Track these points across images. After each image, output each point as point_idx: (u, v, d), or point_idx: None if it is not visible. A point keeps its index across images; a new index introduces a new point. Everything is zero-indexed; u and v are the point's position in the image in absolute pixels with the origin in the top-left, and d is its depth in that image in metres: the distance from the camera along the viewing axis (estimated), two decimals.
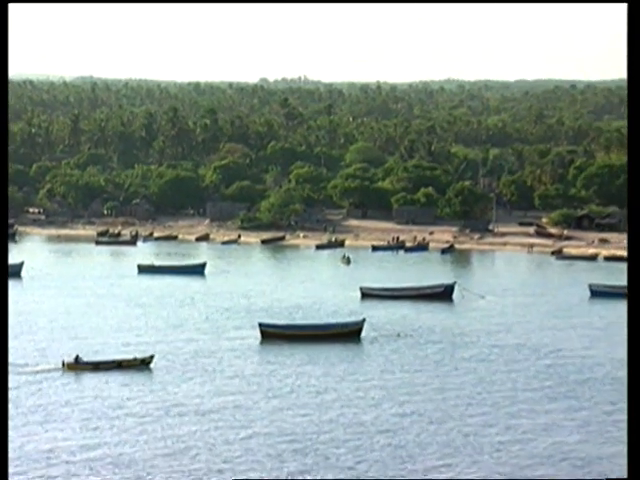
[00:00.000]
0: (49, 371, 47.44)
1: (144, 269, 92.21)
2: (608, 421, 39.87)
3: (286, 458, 34.23)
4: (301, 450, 35.06)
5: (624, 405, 41.97)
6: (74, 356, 48.53)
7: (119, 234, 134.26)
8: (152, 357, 49.26)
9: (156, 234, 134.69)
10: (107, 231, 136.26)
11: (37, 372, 47.23)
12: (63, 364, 48.01)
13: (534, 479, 30.53)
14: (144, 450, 34.98)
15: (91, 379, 45.96)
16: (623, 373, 48.06)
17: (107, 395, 42.93)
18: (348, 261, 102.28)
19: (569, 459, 34.54)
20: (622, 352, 53.41)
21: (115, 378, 46.13)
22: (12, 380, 41.82)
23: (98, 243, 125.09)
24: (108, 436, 36.59)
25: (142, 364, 48.65)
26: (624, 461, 34.06)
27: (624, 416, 40.27)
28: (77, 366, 47.86)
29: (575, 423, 39.15)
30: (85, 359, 48.56)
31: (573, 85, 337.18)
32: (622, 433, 37.99)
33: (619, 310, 68.95)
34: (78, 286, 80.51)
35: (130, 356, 49.64)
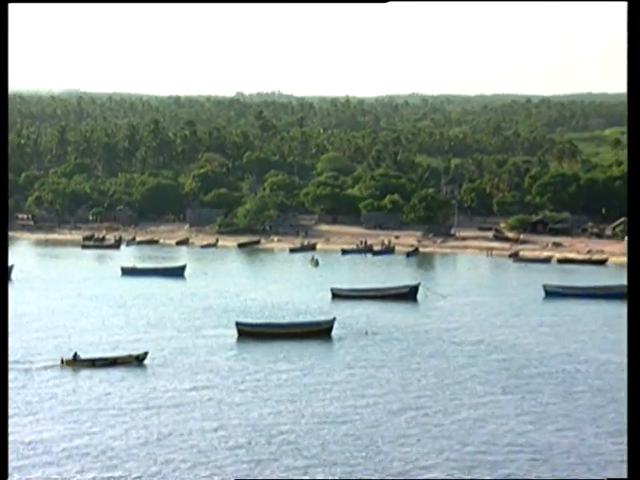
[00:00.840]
0: (48, 368, 47.09)
1: (127, 271, 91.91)
2: (557, 410, 39.92)
3: (257, 446, 34.17)
4: (270, 439, 35.00)
5: (572, 395, 42.37)
6: (72, 353, 48.26)
7: (104, 238, 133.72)
8: (146, 354, 49.05)
9: (139, 238, 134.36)
10: (92, 236, 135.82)
11: (37, 369, 46.88)
12: (62, 361, 47.75)
13: (533, 479, 29.88)
14: (123, 440, 34.82)
15: (87, 375, 45.70)
16: (572, 366, 48.54)
17: (98, 390, 42.77)
18: (316, 263, 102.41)
19: (518, 445, 34.64)
20: (572, 347, 53.99)
21: (110, 374, 45.90)
22: (11, 376, 41.64)
23: (84, 247, 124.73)
24: (88, 427, 36.45)
25: (136, 361, 48.45)
26: (570, 445, 34.47)
27: (571, 405, 40.69)
28: (75, 363, 47.56)
29: (526, 412, 39.18)
30: (82, 356, 48.24)
31: (528, 99, 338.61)
32: (569, 420, 38.35)
33: (571, 309, 69.61)
34: (65, 288, 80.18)
35: (125, 353, 49.47)
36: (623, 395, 42.37)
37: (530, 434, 36.17)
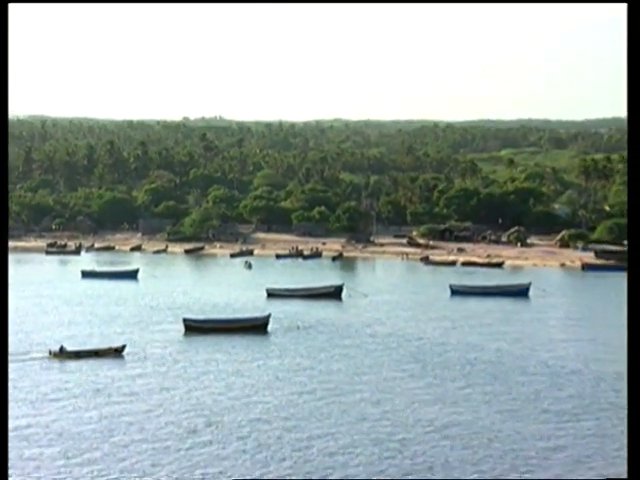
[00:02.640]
0: (37, 359, 46.39)
1: (87, 274, 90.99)
2: (456, 393, 40.23)
3: (199, 431, 34.05)
4: (211, 424, 34.93)
5: (470, 380, 42.86)
6: (59, 346, 47.59)
7: (65, 245, 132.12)
8: (124, 346, 48.56)
9: (97, 245, 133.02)
10: (55, 243, 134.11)
11: (25, 360, 46.07)
12: (50, 353, 47.08)
13: (532, 479, 28.84)
14: (77, 425, 34.54)
15: (73, 365, 45.23)
16: (474, 355, 49.10)
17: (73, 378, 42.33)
18: (249, 266, 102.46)
19: (427, 426, 34.83)
20: (471, 338, 54.47)
21: (92, 364, 45.50)
22: None
23: (48, 253, 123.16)
24: (47, 413, 36.11)
25: (116, 352, 47.99)
26: (467, 423, 35.03)
27: (469, 389, 41.15)
28: (61, 355, 46.88)
29: (433, 397, 39.43)
30: (68, 349, 47.57)
31: (436, 124, 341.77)
32: (467, 402, 38.77)
33: (472, 305, 70.47)
34: (29, 289, 79.00)
35: (106, 346, 48.89)
36: (514, 379, 43.22)
37: (433, 414, 36.43)
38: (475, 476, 29.31)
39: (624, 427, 35.37)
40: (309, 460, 30.61)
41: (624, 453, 31.83)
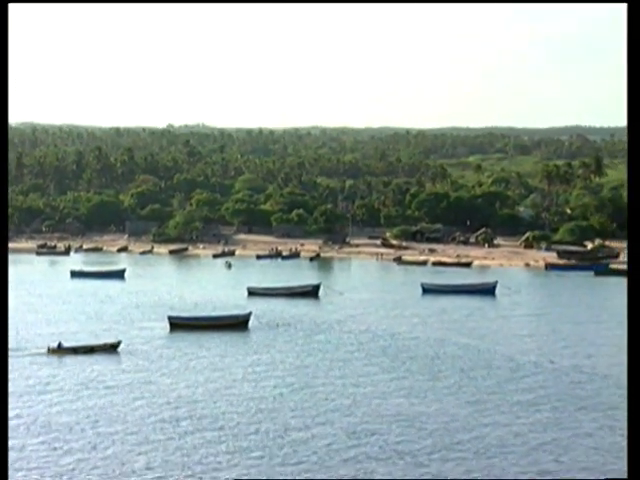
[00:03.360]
0: (36, 355, 46.28)
1: (75, 274, 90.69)
2: (425, 385, 40.54)
3: (181, 421, 34.25)
4: (192, 415, 35.07)
5: (438, 373, 43.19)
6: (57, 343, 47.49)
7: (55, 246, 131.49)
8: (119, 342, 48.43)
9: (85, 246, 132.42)
10: (45, 244, 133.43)
11: (25, 355, 46.01)
12: (48, 349, 46.95)
13: (532, 479, 28.42)
14: (63, 416, 34.64)
15: (69, 361, 45.32)
16: (441, 350, 49.44)
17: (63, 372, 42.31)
18: (230, 266, 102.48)
19: (396, 416, 35.16)
20: (441, 334, 54.83)
21: (86, 359, 45.55)
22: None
23: (38, 254, 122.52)
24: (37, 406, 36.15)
25: (111, 348, 47.92)
26: (434, 413, 35.43)
27: (437, 381, 41.48)
28: (59, 350, 46.74)
29: (403, 389, 39.68)
30: (66, 345, 47.46)
31: (407, 132, 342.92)
32: (434, 393, 39.06)
33: (442, 303, 70.66)
34: (20, 288, 78.66)
35: (102, 342, 48.75)
36: (479, 372, 43.66)
37: (401, 405, 36.75)
38: (450, 465, 29.66)
39: (580, 416, 35.94)
40: (283, 448, 30.88)
41: (580, 440, 32.39)
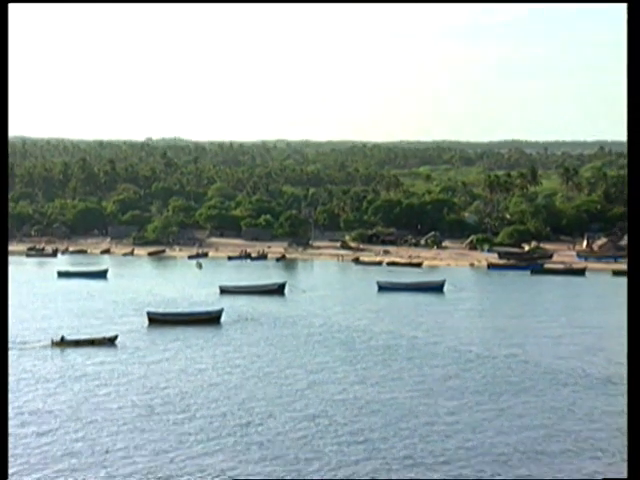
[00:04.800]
0: (41, 347, 45.90)
1: (62, 274, 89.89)
2: (377, 373, 40.86)
3: (155, 408, 34.29)
4: (165, 403, 35.12)
5: (389, 362, 43.53)
6: (60, 336, 47.05)
7: (43, 249, 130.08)
8: (117, 336, 48.14)
9: (71, 249, 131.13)
10: (34, 247, 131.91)
11: (31, 348, 45.64)
12: (52, 342, 46.46)
13: (533, 479, 27.30)
14: (50, 405, 34.51)
15: (71, 353, 45.06)
16: (394, 342, 49.76)
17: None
18: (200, 266, 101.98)
19: (353, 403, 35.44)
20: (394, 328, 55.08)
21: (88, 352, 45.35)
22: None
23: (28, 256, 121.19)
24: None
25: (109, 342, 47.53)
26: (385, 399, 35.80)
27: (388, 369, 41.79)
28: (62, 343, 46.36)
29: (358, 378, 40.02)
30: (68, 338, 47.08)
31: (364, 145, 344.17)
32: (386, 380, 39.33)
33: (395, 299, 70.97)
34: (12, 286, 77.46)
35: (100, 336, 48.37)
36: (427, 362, 44.08)
37: (357, 392, 37.09)
38: (402, 450, 29.97)
39: (514, 399, 36.52)
40: (248, 435, 31.06)
41: (518, 422, 32.91)
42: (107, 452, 28.62)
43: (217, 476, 26.73)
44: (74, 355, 44.53)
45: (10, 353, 40.35)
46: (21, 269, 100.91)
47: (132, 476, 26.70)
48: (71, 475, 26.82)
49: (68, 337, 47.40)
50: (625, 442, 13.38)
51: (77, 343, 46.71)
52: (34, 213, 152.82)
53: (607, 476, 26.61)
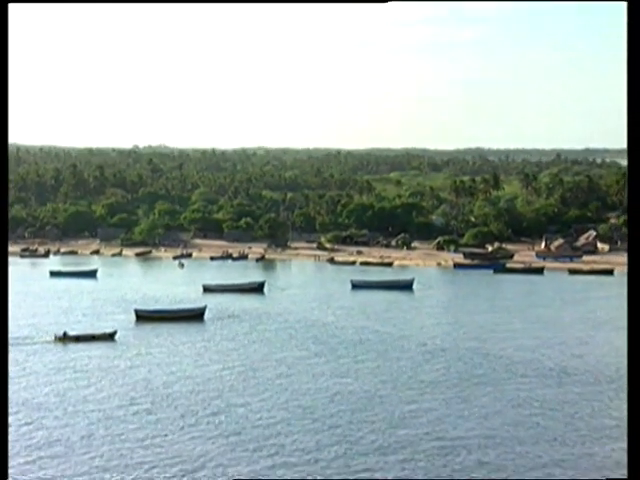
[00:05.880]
0: (45, 342, 45.58)
1: (54, 274, 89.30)
2: (348, 366, 41.01)
3: (139, 400, 34.28)
4: (150, 394, 35.11)
5: (360, 356, 43.64)
6: (62, 332, 46.69)
7: (36, 250, 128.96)
8: (115, 332, 47.90)
9: (62, 250, 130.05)
10: (28, 248, 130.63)
11: (35, 343, 45.30)
12: (55, 337, 46.12)
13: (535, 479, 26.66)
14: (38, 397, 34.38)
15: (73, 347, 44.85)
16: (365, 336, 49.87)
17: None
18: (182, 266, 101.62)
19: (324, 394, 35.58)
20: (365, 323, 54.97)
21: (89, 346, 45.16)
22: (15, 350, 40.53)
23: (21, 256, 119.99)
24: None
25: (109, 337, 47.26)
26: (354, 391, 36.01)
27: (359, 363, 41.87)
28: (64, 339, 46.04)
29: (330, 371, 40.16)
30: (70, 334, 46.75)
31: (338, 152, 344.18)
32: (356, 373, 39.41)
33: (368, 297, 70.93)
34: None
35: (100, 331, 48.08)
36: (395, 355, 44.32)
37: (329, 384, 37.25)
38: (370, 436, 30.19)
39: (476, 390, 36.89)
40: (228, 423, 31.19)
41: (478, 411, 33.26)
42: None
43: (195, 461, 26.82)
44: (75, 349, 44.37)
45: (16, 348, 40.09)
46: (15, 269, 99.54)
47: (110, 462, 26.70)
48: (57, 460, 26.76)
49: (70, 333, 47.21)
50: (625, 442, 12.93)
51: (78, 338, 46.49)
52: (28, 216, 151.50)
53: (607, 476, 26.03)
